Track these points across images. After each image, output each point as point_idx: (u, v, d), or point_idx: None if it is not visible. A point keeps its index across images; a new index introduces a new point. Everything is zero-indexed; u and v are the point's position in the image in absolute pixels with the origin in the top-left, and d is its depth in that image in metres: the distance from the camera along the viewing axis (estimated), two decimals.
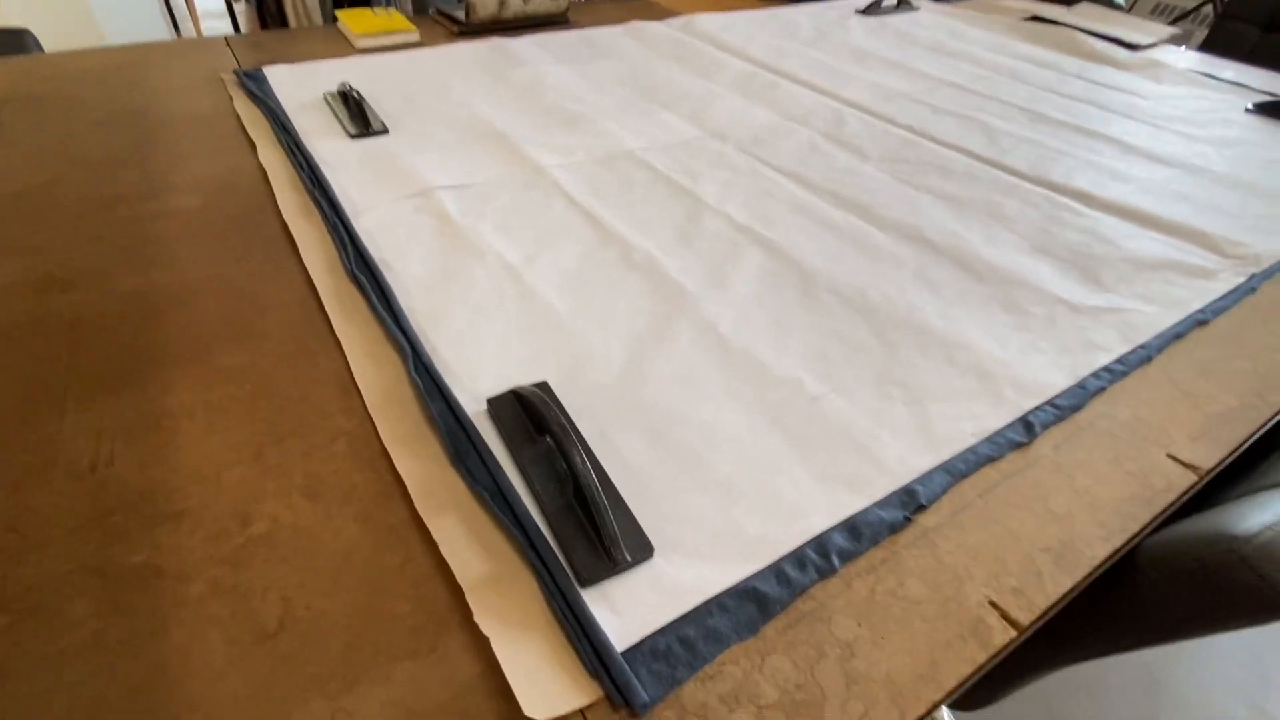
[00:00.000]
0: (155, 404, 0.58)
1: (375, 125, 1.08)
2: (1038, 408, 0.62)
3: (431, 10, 1.70)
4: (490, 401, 0.58)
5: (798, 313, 0.74)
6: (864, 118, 1.23)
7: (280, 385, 0.60)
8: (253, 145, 1.01)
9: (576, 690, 0.40)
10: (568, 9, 1.67)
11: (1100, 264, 0.85)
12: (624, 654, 0.42)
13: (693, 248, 0.84)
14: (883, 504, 0.52)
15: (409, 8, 2.23)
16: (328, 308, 0.69)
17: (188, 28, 2.77)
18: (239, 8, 2.38)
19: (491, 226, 0.85)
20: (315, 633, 0.42)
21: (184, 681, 0.40)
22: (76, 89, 1.17)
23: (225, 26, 2.55)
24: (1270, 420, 0.64)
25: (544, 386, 0.60)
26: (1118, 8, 2.18)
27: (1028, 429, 0.60)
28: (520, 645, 0.42)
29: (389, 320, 0.67)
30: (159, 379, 0.60)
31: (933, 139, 1.17)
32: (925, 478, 0.55)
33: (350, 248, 0.78)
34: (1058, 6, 2.04)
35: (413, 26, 1.51)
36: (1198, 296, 0.80)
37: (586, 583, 0.45)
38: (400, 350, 0.63)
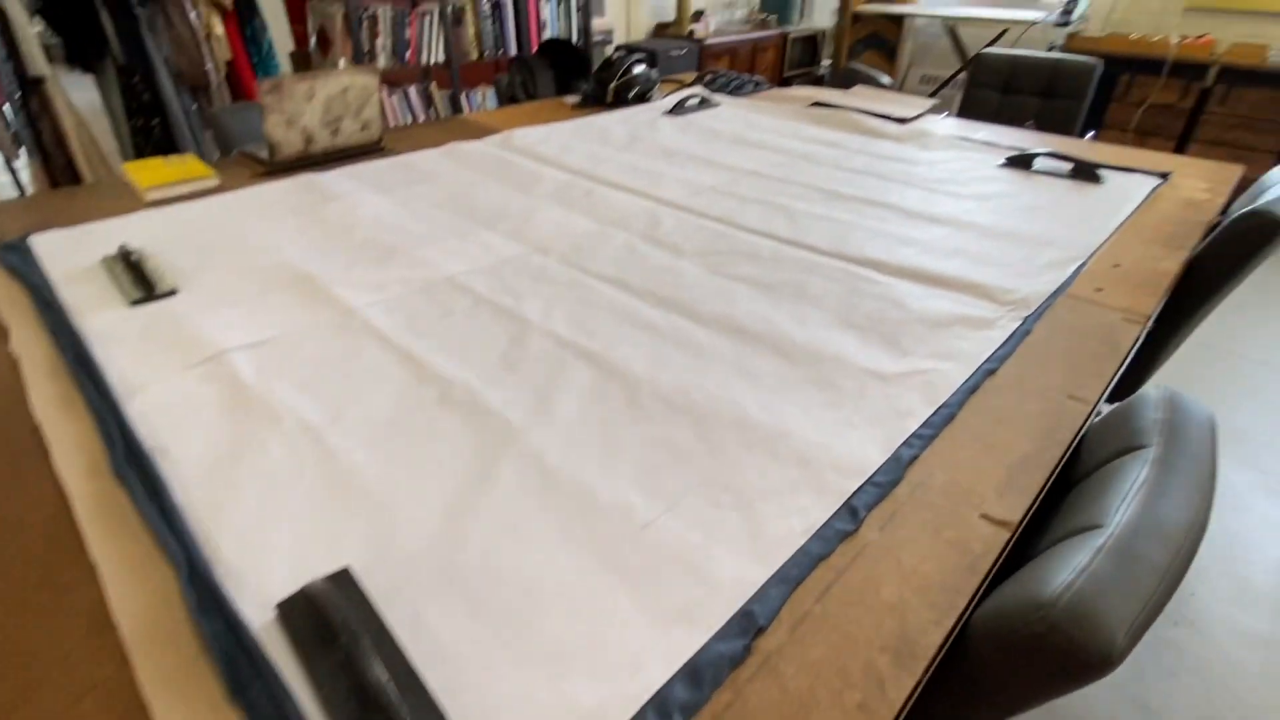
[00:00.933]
0: None
1: (161, 288, 0.98)
2: (859, 489, 0.64)
3: (235, 152, 1.63)
4: (280, 607, 0.51)
5: (625, 426, 0.72)
6: (678, 214, 1.30)
7: (12, 640, 0.50)
8: (4, 332, 0.88)
9: None
10: (381, 138, 1.66)
11: (898, 329, 0.92)
12: None
13: (517, 373, 0.81)
14: (722, 634, 0.50)
15: (215, 152, 2.14)
16: (83, 523, 0.59)
17: None
18: (19, 164, 2.18)
19: (292, 385, 0.78)
20: None
21: None
22: None
23: (6, 187, 2.32)
24: (1062, 459, 0.69)
25: (344, 576, 0.53)
26: (886, 86, 2.51)
27: (853, 515, 0.61)
28: None
29: (160, 524, 0.58)
30: None
31: (741, 227, 1.24)
32: (762, 594, 0.53)
33: (119, 438, 0.68)
34: (836, 91, 2.32)
35: (210, 171, 1.44)
36: (983, 348, 0.87)
37: None
38: (173, 560, 0.54)
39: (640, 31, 3.95)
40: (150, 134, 2.30)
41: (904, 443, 0.70)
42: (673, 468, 0.66)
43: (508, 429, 0.71)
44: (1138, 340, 0.91)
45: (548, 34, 3.35)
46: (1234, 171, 1.57)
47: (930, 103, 2.14)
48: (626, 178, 1.49)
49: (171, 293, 0.98)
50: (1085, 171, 1.52)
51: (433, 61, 2.97)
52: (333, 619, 0.46)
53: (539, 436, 0.70)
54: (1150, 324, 0.97)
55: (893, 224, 1.26)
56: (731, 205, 1.35)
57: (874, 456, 0.68)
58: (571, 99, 2.21)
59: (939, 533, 0.60)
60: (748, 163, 1.61)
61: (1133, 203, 1.37)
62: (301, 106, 1.46)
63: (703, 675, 0.47)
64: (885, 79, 2.56)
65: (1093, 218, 1.30)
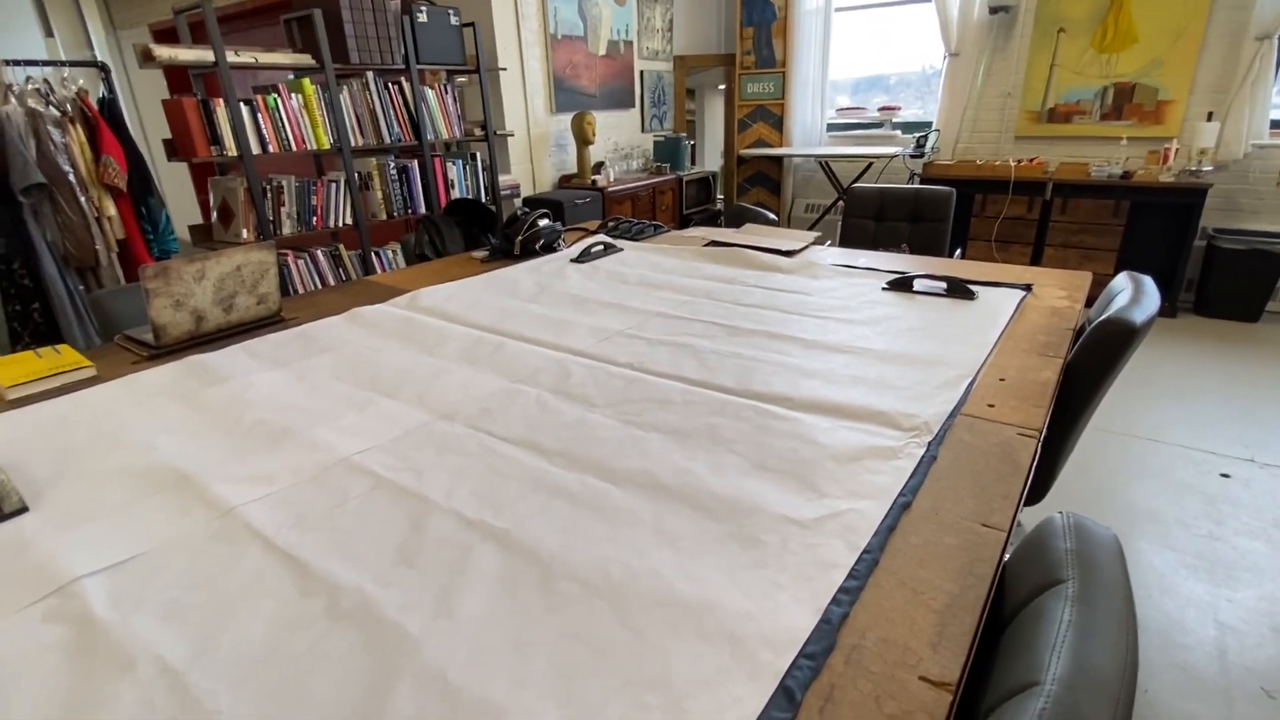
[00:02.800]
0: None
1: (8, 505, 0.87)
2: (794, 665, 0.59)
3: (117, 336, 1.55)
4: None
5: (537, 619, 0.66)
6: (587, 364, 1.30)
7: None
8: None
9: None
10: (280, 309, 1.62)
11: (811, 468, 0.91)
12: None
13: (415, 567, 0.74)
14: None
15: (98, 338, 2.04)
16: None
17: None
18: None
19: (154, 614, 0.68)
20: None
21: None
22: None
23: None
24: (988, 599, 0.68)
25: None
26: (772, 222, 2.73)
27: (790, 699, 0.56)
28: None
29: None
30: None
31: (650, 371, 1.26)
32: None
33: None
34: (729, 230, 2.49)
35: (87, 361, 1.35)
36: (895, 479, 0.88)
37: None
38: None
39: (545, 183, 4.19)
40: (29, 320, 2.17)
41: (832, 600, 0.67)
42: (592, 666, 0.60)
43: (404, 640, 0.64)
44: (1035, 455, 0.95)
45: (455, 193, 3.50)
46: (1084, 278, 1.75)
47: (813, 235, 2.32)
48: (535, 329, 1.50)
49: (19, 511, 0.87)
50: (959, 289, 1.66)
51: (340, 224, 3.02)
52: None
53: (439, 647, 0.63)
54: (1043, 434, 1.01)
55: (794, 356, 1.30)
56: (640, 349, 1.37)
57: (804, 622, 0.64)
58: (480, 254, 2.27)
59: (881, 706, 0.56)
60: (653, 305, 1.66)
61: (1005, 315, 1.49)
62: (191, 287, 1.42)
63: None
64: (771, 215, 2.78)
65: (973, 334, 1.39)
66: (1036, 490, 1.36)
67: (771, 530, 0.79)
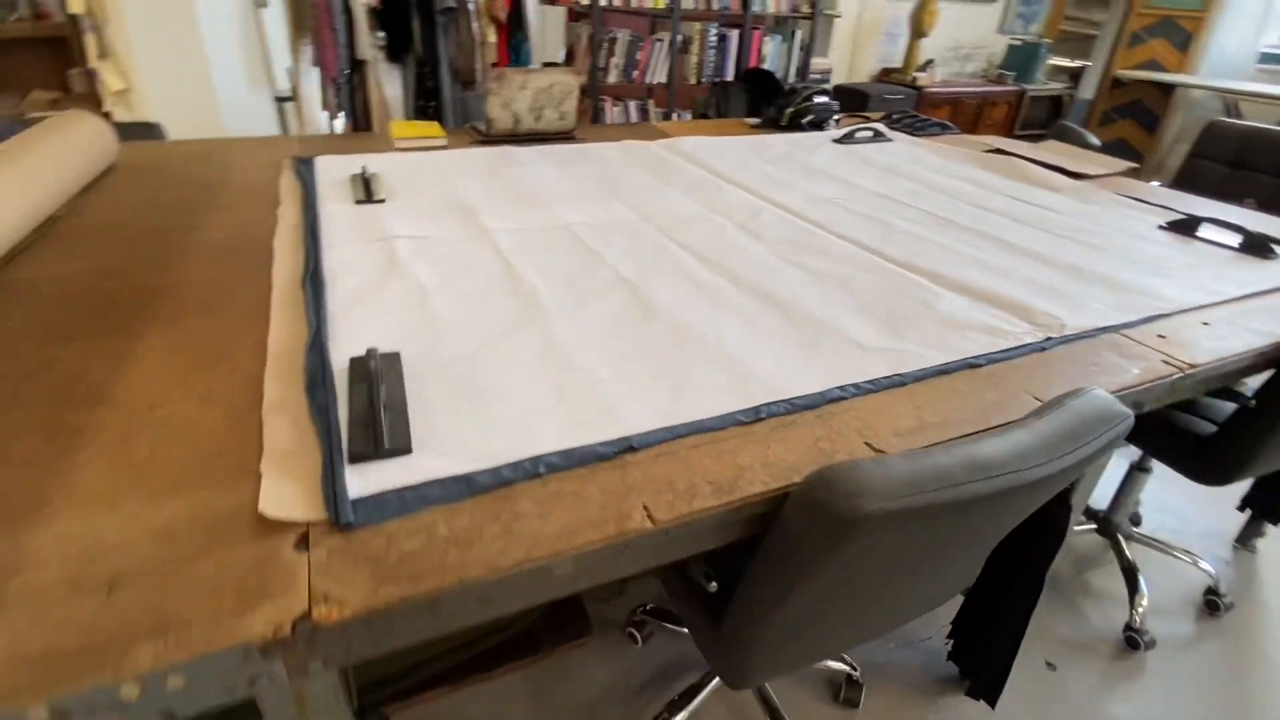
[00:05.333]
0: (134, 344, 0.83)
1: (376, 196, 1.39)
2: (774, 403, 0.77)
3: (467, 125, 2.10)
4: (352, 360, 0.79)
5: (626, 333, 0.92)
6: (780, 214, 1.45)
7: (217, 341, 0.84)
8: (278, 203, 1.33)
9: (307, 509, 0.58)
10: (574, 128, 2.02)
11: (910, 322, 1.00)
12: (354, 500, 0.59)
13: (573, 288, 1.05)
14: (604, 444, 0.69)
15: (453, 122, 2.71)
16: (274, 303, 0.94)
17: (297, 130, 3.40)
18: (337, 122, 2.94)
19: (425, 263, 1.10)
20: (168, 469, 0.62)
21: (81, 476, 0.60)
22: (175, 163, 1.56)
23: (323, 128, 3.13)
24: (972, 434, 0.76)
25: (394, 355, 0.81)
26: (1090, 146, 2.37)
27: (755, 414, 0.75)
28: (284, 483, 0.60)
29: (312, 312, 0.90)
30: (142, 331, 0.86)
31: (831, 231, 1.37)
32: (648, 434, 0.71)
33: (312, 268, 1.04)
34: (1026, 143, 2.25)
35: (443, 133, 1.90)
36: (981, 347, 0.93)
37: (355, 459, 0.64)
38: (309, 327, 0.86)
39: (862, 75, 4.05)
40: (427, 112, 2.95)
41: (839, 388, 0.81)
42: (640, 358, 0.85)
43: (544, 315, 0.96)
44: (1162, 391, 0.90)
45: (766, 67, 3.61)
46: None
47: (1123, 165, 2.01)
48: (756, 182, 1.67)
49: (382, 201, 1.38)
50: (1257, 245, 1.39)
51: (655, 81, 3.37)
52: (370, 368, 0.72)
53: (560, 324, 0.93)
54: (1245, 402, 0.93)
55: (988, 254, 1.29)
56: (836, 214, 1.47)
57: (803, 387, 0.81)
58: (753, 120, 2.43)
59: (816, 442, 0.72)
60: (880, 187, 1.70)
61: None
62: (515, 94, 1.87)
63: (575, 456, 0.66)
64: (1094, 139, 2.41)
65: (1227, 283, 1.21)
66: (1221, 469, 1.19)
67: (832, 343, 0.93)
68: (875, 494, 0.56)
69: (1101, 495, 1.68)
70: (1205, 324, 1.06)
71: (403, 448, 0.66)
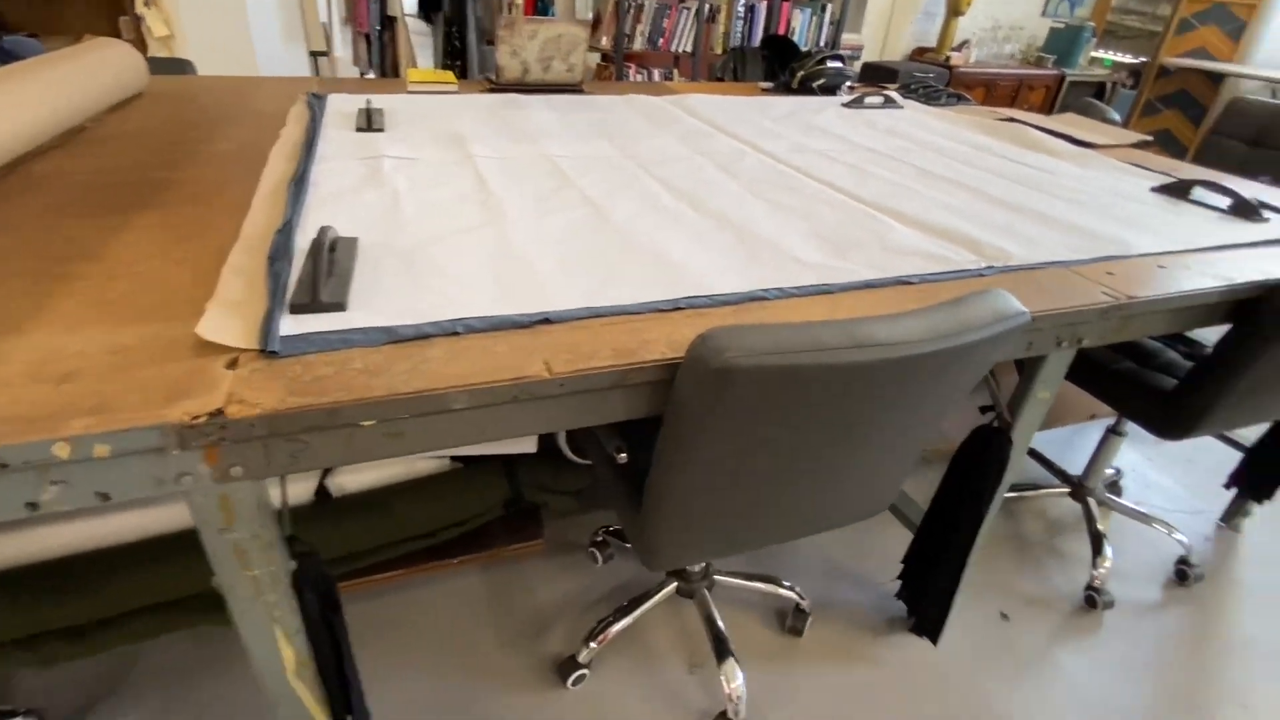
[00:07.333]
0: (129, 221, 0.92)
1: (376, 126, 1.46)
2: (695, 296, 0.82)
3: (479, 74, 2.17)
4: (315, 237, 0.87)
5: (583, 235, 0.98)
6: (762, 159, 1.48)
7: (201, 223, 0.92)
8: (284, 123, 1.42)
9: (240, 339, 0.65)
10: (582, 80, 2.07)
11: (856, 247, 1.03)
12: (283, 337, 0.66)
13: (540, 202, 1.11)
14: (523, 315, 0.74)
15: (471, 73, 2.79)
16: (258, 197, 1.02)
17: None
18: (369, 74, 3.05)
19: (404, 178, 1.17)
20: (133, 308, 0.70)
21: (58, 308, 0.69)
22: (200, 93, 1.67)
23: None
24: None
25: (351, 239, 0.88)
26: (1110, 121, 2.32)
27: (675, 305, 0.80)
28: (226, 320, 0.67)
29: (292, 205, 0.98)
30: (139, 213, 0.94)
31: (808, 174, 1.39)
32: (569, 311, 0.76)
33: (301, 174, 1.12)
34: (1040, 115, 2.22)
35: (454, 79, 1.97)
36: (914, 270, 0.96)
37: (295, 310, 0.71)
38: (285, 215, 0.94)
39: (896, 53, 3.99)
40: (453, 68, 3.03)
41: (764, 289, 0.85)
42: (583, 257, 0.91)
43: (503, 220, 1.02)
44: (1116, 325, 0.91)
45: (795, 39, 3.59)
46: None
47: (1135, 137, 1.98)
48: (748, 134, 1.70)
49: (380, 130, 1.46)
50: (1245, 208, 1.37)
51: (682, 50, 3.39)
52: (323, 241, 0.79)
53: (516, 228, 0.99)
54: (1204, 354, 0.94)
55: (963, 203, 1.30)
56: (819, 163, 1.49)
57: (735, 288, 0.85)
58: (766, 85, 2.44)
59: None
60: (874, 144, 1.71)
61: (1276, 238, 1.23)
62: (525, 43, 1.92)
63: (493, 321, 0.72)
64: (1114, 114, 2.36)
65: (1200, 237, 1.21)
66: (1181, 422, 1.19)
67: (773, 257, 0.96)
68: (743, 350, 0.61)
69: (1079, 461, 1.68)
70: (1161, 267, 1.07)
71: (338, 303, 0.72)
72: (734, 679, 1.16)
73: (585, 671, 1.21)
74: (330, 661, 0.82)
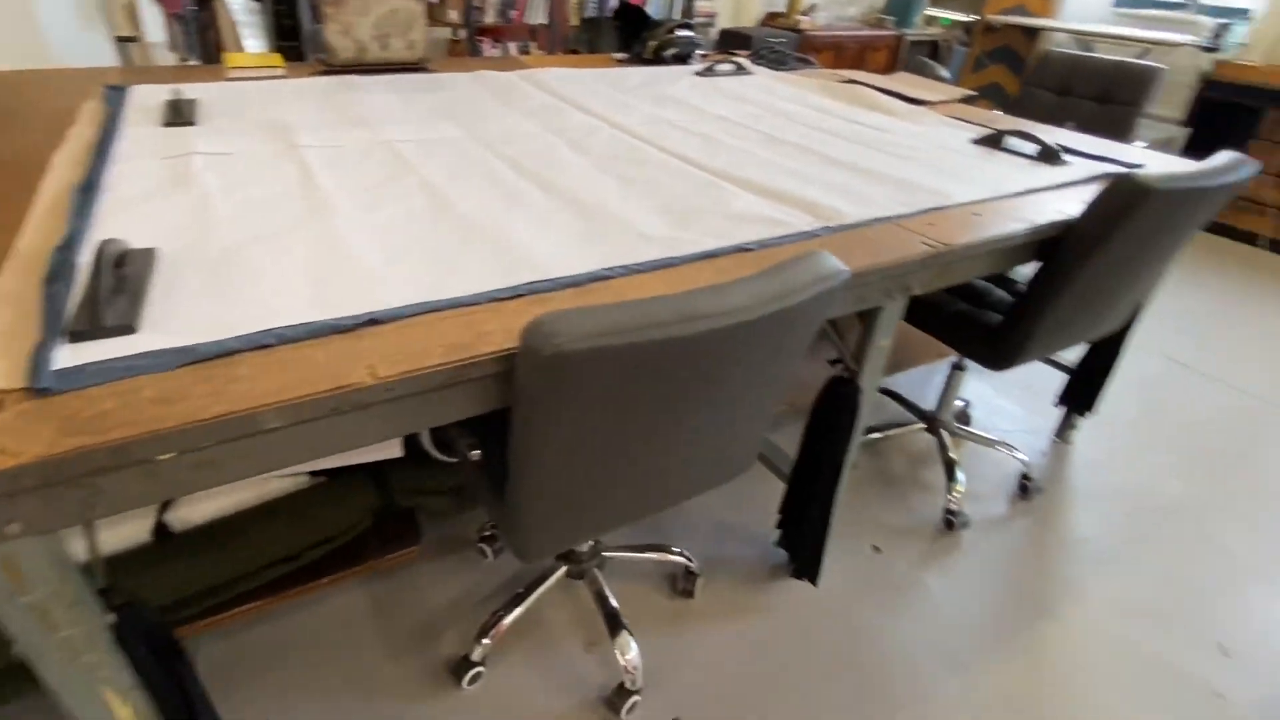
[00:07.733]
0: None
1: (186, 119, 1.32)
2: (536, 281, 0.80)
3: (313, 57, 2.01)
4: (100, 245, 0.77)
5: (415, 228, 0.93)
6: (614, 133, 1.47)
7: None
8: (73, 122, 1.25)
9: (4, 379, 0.57)
10: (426, 58, 1.97)
11: (699, 218, 1.05)
12: (58, 370, 0.58)
13: (373, 193, 1.04)
14: (346, 318, 0.70)
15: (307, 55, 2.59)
16: (36, 211, 0.89)
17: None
18: (193, 62, 2.75)
19: (216, 176, 1.06)
20: None
21: None
22: None
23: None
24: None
25: (148, 251, 0.79)
26: (940, 78, 2.49)
27: (514, 292, 0.78)
28: None
29: (74, 211, 0.87)
30: None
31: (657, 146, 1.40)
32: (398, 309, 0.72)
33: (93, 179, 0.99)
34: (880, 75, 2.34)
35: (281, 63, 1.81)
36: (753, 235, 0.99)
37: (75, 338, 0.63)
38: (70, 225, 0.83)
39: (749, 19, 4.08)
40: (286, 51, 2.80)
41: (608, 268, 0.85)
42: (419, 250, 0.86)
43: (330, 215, 0.95)
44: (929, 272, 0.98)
45: (650, 10, 3.58)
46: None
47: (961, 93, 2.13)
48: (600, 107, 1.68)
49: (191, 123, 1.32)
50: (1049, 154, 1.51)
51: (536, 22, 3.30)
52: (108, 255, 0.71)
53: (343, 222, 0.93)
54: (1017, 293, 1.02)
55: (806, 166, 1.34)
56: (670, 134, 1.50)
57: (578, 269, 0.84)
58: (620, 55, 2.42)
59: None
60: (724, 112, 1.74)
61: (1067, 178, 1.36)
62: (355, 19, 1.79)
63: (310, 328, 0.67)
64: (944, 72, 2.53)
65: (1011, 184, 1.32)
66: (1008, 349, 1.31)
67: (617, 234, 0.96)
68: (574, 334, 0.60)
69: (933, 398, 1.82)
70: (976, 215, 1.16)
71: (126, 325, 0.65)
72: (628, 651, 1.18)
73: (481, 669, 1.19)
74: (180, 712, 0.76)
